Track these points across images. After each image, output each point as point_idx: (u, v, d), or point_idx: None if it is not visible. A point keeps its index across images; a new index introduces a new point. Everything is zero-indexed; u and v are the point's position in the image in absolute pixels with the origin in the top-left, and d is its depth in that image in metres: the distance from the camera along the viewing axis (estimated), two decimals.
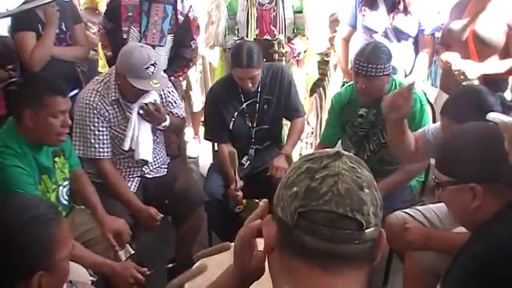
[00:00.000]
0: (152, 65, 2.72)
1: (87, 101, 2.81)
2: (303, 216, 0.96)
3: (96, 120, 2.82)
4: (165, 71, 3.38)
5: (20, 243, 1.36)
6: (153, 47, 3.34)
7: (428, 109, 2.97)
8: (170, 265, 2.52)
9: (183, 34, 3.50)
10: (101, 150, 2.86)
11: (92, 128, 2.82)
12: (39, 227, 1.40)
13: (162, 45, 3.44)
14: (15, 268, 1.35)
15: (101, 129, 2.84)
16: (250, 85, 3.06)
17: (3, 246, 1.34)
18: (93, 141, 2.83)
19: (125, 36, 3.39)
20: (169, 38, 3.46)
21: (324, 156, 1.01)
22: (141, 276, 2.41)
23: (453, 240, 2.18)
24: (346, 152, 1.02)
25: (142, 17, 3.38)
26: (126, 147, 2.89)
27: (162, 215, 2.89)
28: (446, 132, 2.17)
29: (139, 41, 3.34)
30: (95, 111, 2.81)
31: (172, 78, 3.43)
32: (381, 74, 2.79)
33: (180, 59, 3.55)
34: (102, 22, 3.53)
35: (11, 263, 1.35)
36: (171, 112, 3.09)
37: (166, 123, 2.98)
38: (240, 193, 3.01)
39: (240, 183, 3.04)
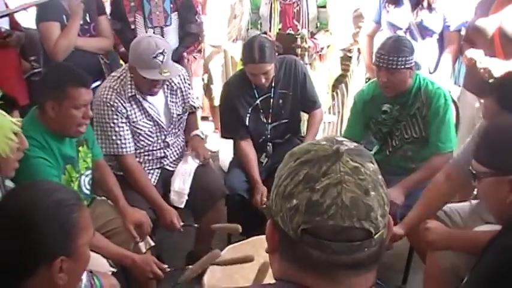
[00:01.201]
0: (161, 53, 2.71)
1: (104, 99, 2.81)
2: (307, 231, 0.90)
3: (115, 117, 2.82)
4: (176, 49, 3.52)
5: (42, 227, 1.37)
6: (162, 28, 3.52)
7: (452, 107, 2.93)
8: (190, 266, 2.53)
9: (186, 10, 3.62)
10: (123, 146, 2.86)
11: (112, 125, 2.82)
12: (61, 211, 1.41)
13: (169, 25, 3.56)
14: (37, 251, 1.37)
15: (120, 125, 2.83)
16: (263, 81, 3.03)
17: (26, 230, 1.36)
18: (114, 138, 2.84)
19: (132, 26, 3.53)
20: (173, 17, 3.58)
21: (322, 158, 0.92)
22: (160, 272, 2.40)
23: (475, 239, 2.16)
24: (345, 145, 0.95)
25: (144, 3, 3.52)
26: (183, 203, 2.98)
27: (183, 223, 2.87)
28: (489, 114, 2.13)
29: (145, 26, 3.49)
30: (113, 109, 2.80)
31: (185, 54, 3.60)
32: (402, 66, 2.76)
33: (188, 35, 3.67)
34: (111, 24, 3.59)
35: (33, 247, 1.36)
36: (193, 106, 3.19)
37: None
38: (264, 201, 2.98)
39: (264, 191, 3.02)
